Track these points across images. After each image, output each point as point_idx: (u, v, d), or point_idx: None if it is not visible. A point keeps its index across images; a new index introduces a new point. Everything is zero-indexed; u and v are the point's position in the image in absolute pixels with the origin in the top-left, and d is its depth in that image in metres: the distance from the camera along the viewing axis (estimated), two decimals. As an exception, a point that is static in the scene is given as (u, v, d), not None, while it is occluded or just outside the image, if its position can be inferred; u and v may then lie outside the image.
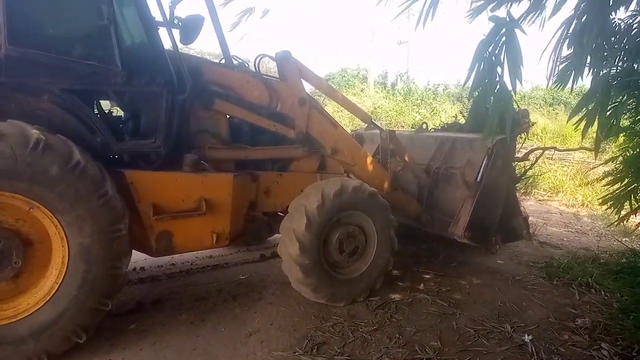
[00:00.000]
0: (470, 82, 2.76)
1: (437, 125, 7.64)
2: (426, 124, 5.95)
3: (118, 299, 4.04)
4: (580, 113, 3.79)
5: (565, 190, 10.02)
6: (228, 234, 3.82)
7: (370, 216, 4.14)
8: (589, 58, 3.34)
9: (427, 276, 4.84)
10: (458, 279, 4.78)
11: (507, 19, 2.89)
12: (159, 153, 3.57)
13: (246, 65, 4.23)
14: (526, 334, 3.62)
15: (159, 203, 3.49)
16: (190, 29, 3.90)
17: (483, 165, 4.53)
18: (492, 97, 2.65)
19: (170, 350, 3.30)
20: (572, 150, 8.47)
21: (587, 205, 9.16)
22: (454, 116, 9.17)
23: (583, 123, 3.83)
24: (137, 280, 4.53)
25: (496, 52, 2.73)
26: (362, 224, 4.15)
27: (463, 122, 6.80)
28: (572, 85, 3.92)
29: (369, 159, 4.78)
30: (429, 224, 4.99)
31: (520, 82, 2.51)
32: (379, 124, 5.34)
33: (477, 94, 2.83)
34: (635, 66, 3.80)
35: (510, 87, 2.75)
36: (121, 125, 3.95)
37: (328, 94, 4.92)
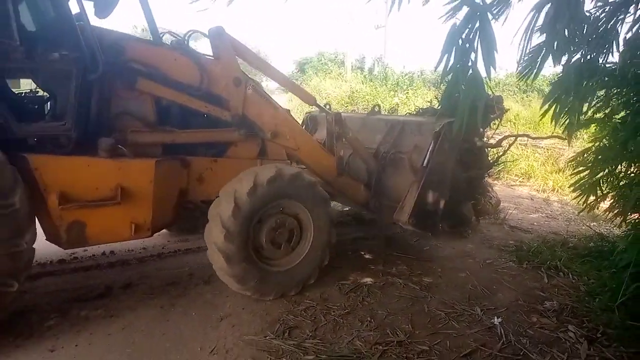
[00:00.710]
0: (441, 67, 2.75)
1: (413, 110, 7.67)
2: (379, 106, 5.77)
3: (86, 284, 3.97)
4: (551, 100, 3.83)
5: (536, 176, 10.19)
6: (149, 225, 3.54)
7: (307, 207, 3.89)
8: (557, 45, 3.35)
9: (399, 260, 4.87)
10: (430, 263, 4.83)
11: (481, 4, 2.89)
12: (70, 136, 3.26)
13: (184, 42, 3.89)
14: (496, 317, 3.68)
15: (69, 191, 3.20)
16: (105, 1, 3.59)
17: (429, 149, 4.38)
18: (464, 83, 2.65)
19: (140, 335, 3.25)
20: (545, 138, 8.59)
21: (557, 191, 9.34)
22: (428, 101, 9.20)
23: (551, 113, 3.88)
24: (107, 264, 4.45)
25: (470, 37, 2.73)
26: (298, 214, 3.91)
27: (438, 107, 6.85)
28: (537, 72, 3.92)
29: (314, 143, 4.59)
30: (376, 210, 4.87)
31: (495, 69, 2.51)
32: (326, 107, 5.14)
33: (449, 79, 2.81)
34: (600, 58, 3.86)
35: (484, 74, 2.76)
36: (36, 107, 3.61)
37: (266, 73, 4.54)
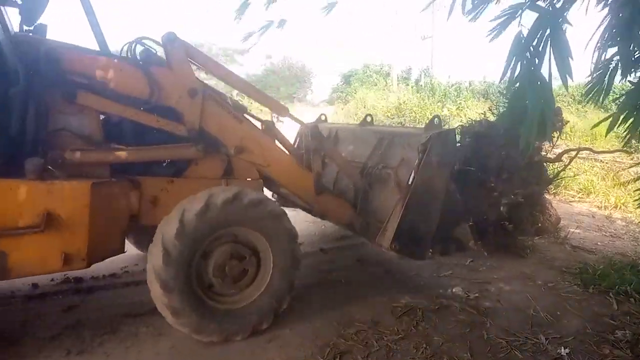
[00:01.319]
0: (507, 76, 2.56)
1: (464, 122, 7.41)
2: (371, 116, 5.21)
3: (137, 300, 3.95)
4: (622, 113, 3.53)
5: (596, 192, 9.63)
6: (84, 255, 3.09)
7: (268, 240, 3.45)
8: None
9: (454, 282, 4.63)
10: (486, 285, 4.56)
11: (550, 9, 2.69)
12: None
13: (131, 51, 3.57)
14: (562, 347, 3.41)
15: None
16: (31, 8, 3.26)
17: (415, 164, 3.82)
18: (531, 94, 2.45)
19: (187, 355, 3.19)
20: (609, 152, 8.04)
21: (620, 208, 8.78)
22: (482, 113, 8.88)
23: (617, 125, 3.59)
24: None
25: (538, 45, 2.54)
26: (256, 245, 3.47)
27: (492, 119, 6.57)
28: (607, 91, 3.64)
29: (287, 159, 4.12)
30: (364, 231, 4.27)
31: (571, 77, 2.30)
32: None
33: (514, 90, 2.62)
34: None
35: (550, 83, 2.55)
36: None
37: (227, 81, 4.02)
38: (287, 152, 4.17)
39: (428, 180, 3.80)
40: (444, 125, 4.89)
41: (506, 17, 2.82)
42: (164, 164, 3.77)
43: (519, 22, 2.72)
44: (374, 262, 5.05)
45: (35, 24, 3.39)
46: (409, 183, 3.79)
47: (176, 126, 3.62)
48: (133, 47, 3.62)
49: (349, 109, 21.67)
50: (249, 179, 3.96)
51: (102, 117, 3.49)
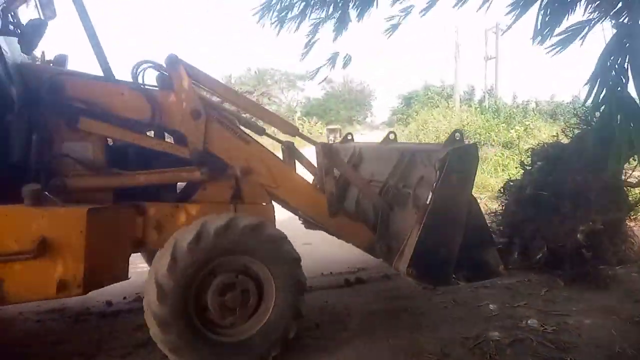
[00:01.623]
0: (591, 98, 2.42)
1: (534, 144, 7.11)
2: (394, 133, 4.87)
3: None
4: None
5: (684, 218, 8.89)
6: (81, 281, 2.99)
7: (269, 267, 3.28)
8: None
9: (528, 313, 4.37)
10: (565, 318, 4.27)
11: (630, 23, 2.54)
12: None
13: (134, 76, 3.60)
14: (654, 390, 3.11)
15: None
16: (30, 35, 3.20)
17: (433, 183, 3.54)
18: (620, 118, 2.29)
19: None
20: None
21: None
22: (554, 135, 8.49)
23: None
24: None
25: (623, 63, 2.39)
26: (256, 272, 3.30)
27: (565, 141, 6.26)
28: None
29: (298, 180, 3.96)
30: (385, 256, 3.93)
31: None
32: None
33: (601, 114, 2.47)
34: None
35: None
36: None
37: (233, 101, 3.99)
38: (307, 173, 4.06)
39: (447, 200, 3.47)
40: (467, 140, 4.50)
41: (571, 33, 2.69)
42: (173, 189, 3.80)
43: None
44: (441, 290, 4.87)
45: (56, 55, 3.61)
46: (427, 203, 3.51)
47: (179, 149, 3.64)
48: (135, 71, 3.59)
49: (410, 131, 21.49)
50: (261, 203, 3.85)
51: (110, 142, 3.58)
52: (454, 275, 3.55)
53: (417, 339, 3.76)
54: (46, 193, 3.14)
